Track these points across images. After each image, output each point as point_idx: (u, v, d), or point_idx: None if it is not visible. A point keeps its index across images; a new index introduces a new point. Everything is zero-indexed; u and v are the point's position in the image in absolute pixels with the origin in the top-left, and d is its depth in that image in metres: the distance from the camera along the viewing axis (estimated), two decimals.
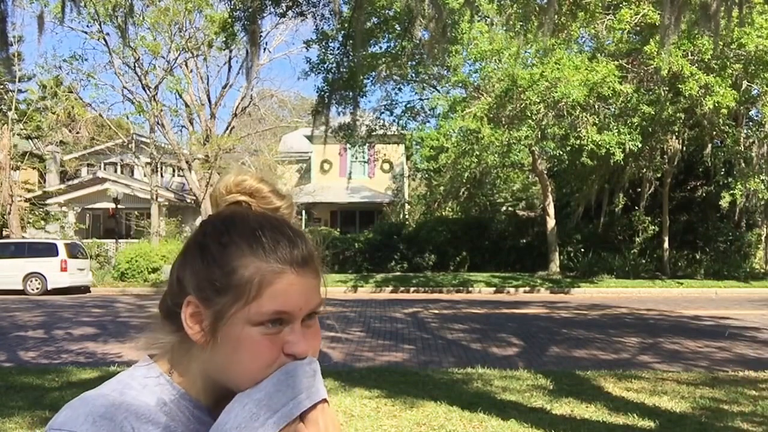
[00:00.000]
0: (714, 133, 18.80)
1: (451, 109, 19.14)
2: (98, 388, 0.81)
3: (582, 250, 22.08)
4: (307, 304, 0.81)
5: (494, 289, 19.18)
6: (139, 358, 0.87)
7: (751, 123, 19.63)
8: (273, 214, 0.86)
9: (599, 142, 16.42)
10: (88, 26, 23.71)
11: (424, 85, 21.73)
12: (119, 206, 24.93)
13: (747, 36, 14.99)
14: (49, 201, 26.77)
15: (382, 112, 21.98)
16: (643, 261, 21.35)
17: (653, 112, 16.59)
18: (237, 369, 0.79)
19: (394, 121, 22.28)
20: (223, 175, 0.90)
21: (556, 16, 9.04)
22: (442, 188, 26.57)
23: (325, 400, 0.80)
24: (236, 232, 0.81)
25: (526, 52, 17.62)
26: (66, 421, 0.74)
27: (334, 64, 16.12)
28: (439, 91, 21.20)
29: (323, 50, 18.14)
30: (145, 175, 28.34)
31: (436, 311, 13.54)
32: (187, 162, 25.26)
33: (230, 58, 26.76)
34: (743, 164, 18.38)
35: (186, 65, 26.34)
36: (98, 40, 24.04)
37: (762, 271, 22.82)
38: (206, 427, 0.81)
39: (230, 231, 0.81)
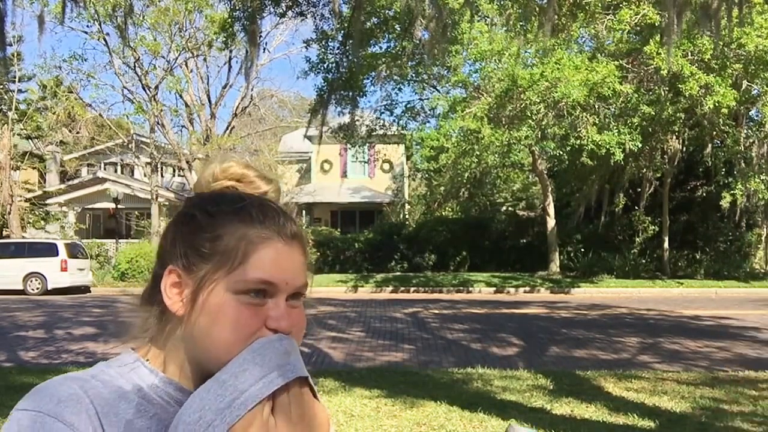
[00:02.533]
0: (714, 133, 18.79)
1: (451, 109, 19.14)
2: (71, 373, 0.78)
3: (582, 250, 22.08)
4: (294, 280, 0.77)
5: (494, 289, 19.18)
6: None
7: (751, 123, 19.61)
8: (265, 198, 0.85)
9: (599, 142, 16.42)
10: (88, 26, 23.74)
11: (424, 85, 21.73)
12: (119, 206, 24.93)
13: (747, 36, 14.98)
14: (49, 201, 26.77)
15: (382, 112, 21.98)
16: (643, 261, 21.34)
17: (653, 112, 16.59)
18: (215, 340, 0.74)
19: (394, 121, 22.28)
20: (208, 163, 0.88)
21: (555, 17, 9.04)
22: (442, 188, 26.59)
23: (302, 379, 0.73)
24: (224, 202, 0.80)
25: (526, 52, 17.62)
26: (30, 402, 0.72)
27: (334, 64, 16.12)
28: (439, 91, 21.20)
29: (323, 50, 18.14)
30: (145, 175, 28.34)
31: (436, 311, 13.54)
32: (187, 162, 25.27)
33: (230, 58, 26.80)
34: (743, 164, 18.38)
35: (186, 65, 26.37)
36: (98, 40, 24.06)
37: (762, 271, 22.82)
38: None
39: (218, 202, 0.80)
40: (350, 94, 17.17)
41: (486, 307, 14.26)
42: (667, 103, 16.61)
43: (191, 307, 0.76)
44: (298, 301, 0.79)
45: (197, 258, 0.77)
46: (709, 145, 19.91)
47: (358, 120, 20.44)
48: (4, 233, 24.78)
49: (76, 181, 27.99)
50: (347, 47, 13.38)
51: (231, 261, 0.75)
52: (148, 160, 26.24)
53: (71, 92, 26.34)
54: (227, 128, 28.34)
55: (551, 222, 21.19)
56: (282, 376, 0.70)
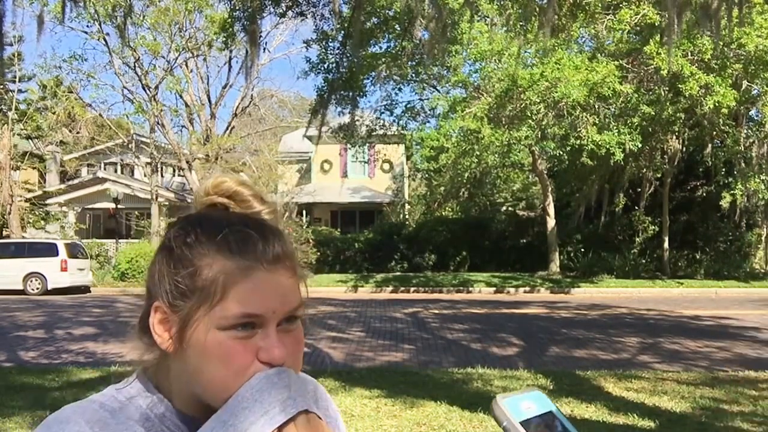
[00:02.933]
0: (714, 133, 18.79)
1: (451, 109, 19.14)
2: (81, 401, 0.77)
3: (582, 250, 22.08)
4: (282, 306, 0.73)
5: (494, 289, 19.18)
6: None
7: (751, 123, 19.61)
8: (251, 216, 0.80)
9: (599, 142, 16.42)
10: (87, 26, 23.74)
11: (424, 85, 21.73)
12: (119, 206, 24.93)
13: (747, 36, 14.98)
14: (49, 201, 26.77)
15: (382, 112, 21.98)
16: (643, 261, 21.34)
17: (653, 112, 16.59)
18: (207, 378, 0.72)
19: (394, 121, 22.28)
20: (206, 178, 0.85)
21: (555, 17, 9.04)
22: (442, 188, 26.58)
23: (306, 411, 0.69)
24: (202, 231, 0.75)
25: (526, 52, 17.62)
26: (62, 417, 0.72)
27: (334, 64, 16.11)
28: (439, 91, 21.20)
29: (323, 50, 18.14)
30: (145, 175, 28.34)
31: (436, 311, 13.53)
32: (187, 162, 25.27)
33: (230, 58, 26.81)
34: (743, 164, 18.38)
35: (186, 65, 26.37)
36: (98, 40, 24.06)
37: (762, 271, 22.82)
38: None
39: (196, 231, 0.75)
40: (350, 94, 17.16)
41: (486, 307, 14.26)
42: (667, 103, 16.61)
43: (180, 345, 0.73)
44: (292, 324, 0.76)
45: (179, 295, 0.74)
46: (709, 145, 19.91)
47: (358, 120, 20.44)
48: (4, 233, 24.78)
49: (76, 181, 27.98)
50: (347, 47, 13.38)
51: (211, 297, 0.72)
52: (148, 160, 26.25)
53: (71, 92, 26.34)
54: (227, 128, 28.34)
55: (551, 222, 21.19)
56: (283, 412, 0.68)
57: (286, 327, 0.75)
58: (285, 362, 0.73)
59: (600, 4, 13.10)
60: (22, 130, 26.60)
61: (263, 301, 0.72)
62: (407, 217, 28.31)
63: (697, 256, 21.69)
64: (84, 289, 19.32)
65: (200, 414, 0.75)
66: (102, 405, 0.76)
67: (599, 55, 17.09)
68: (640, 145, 17.02)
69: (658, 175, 21.29)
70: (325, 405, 0.87)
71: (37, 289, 18.25)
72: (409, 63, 18.20)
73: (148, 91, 24.77)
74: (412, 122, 22.81)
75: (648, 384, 6.20)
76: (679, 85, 15.89)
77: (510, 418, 0.63)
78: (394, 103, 21.79)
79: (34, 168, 28.45)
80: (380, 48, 18.67)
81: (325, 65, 18.00)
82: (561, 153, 19.52)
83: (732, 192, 18.11)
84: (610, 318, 12.33)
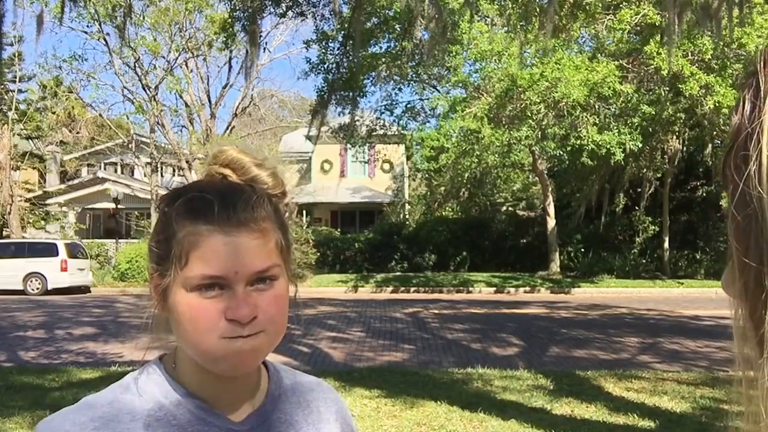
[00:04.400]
0: (714, 133, 18.78)
1: (452, 109, 19.14)
2: (98, 393, 0.81)
3: (582, 250, 22.07)
4: (245, 267, 0.76)
5: (494, 289, 19.17)
6: (141, 358, 0.87)
7: None
8: (247, 183, 0.83)
9: (599, 142, 16.42)
10: (88, 26, 23.75)
11: (425, 85, 21.73)
12: (119, 206, 24.92)
13: (747, 36, 14.98)
14: (49, 201, 26.76)
15: (383, 112, 21.97)
16: (644, 261, 21.34)
17: (653, 112, 16.58)
18: (184, 338, 0.77)
19: (394, 121, 22.27)
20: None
21: (556, 17, 9.04)
22: (442, 188, 26.57)
23: None
24: (180, 199, 0.79)
25: (525, 52, 17.61)
26: (52, 426, 0.75)
27: (334, 65, 16.10)
28: (439, 91, 21.20)
29: (323, 50, 18.13)
30: (145, 175, 28.33)
31: (436, 311, 13.53)
32: (187, 162, 25.27)
33: (230, 58, 26.82)
34: None
35: (186, 65, 26.38)
36: (98, 40, 24.08)
37: None
38: (209, 428, 0.79)
39: (175, 199, 0.80)
40: (350, 94, 17.15)
41: (486, 307, 14.26)
42: (668, 103, 16.60)
43: (164, 308, 0.79)
44: (267, 284, 0.78)
45: (159, 259, 0.79)
46: (710, 145, 19.91)
47: (358, 120, 20.44)
48: (4, 233, 24.78)
49: (76, 181, 27.97)
50: (347, 47, 13.38)
51: (181, 259, 0.76)
52: (148, 160, 26.25)
53: (71, 92, 26.34)
54: (227, 128, 28.35)
55: (551, 222, 21.18)
56: None
57: (259, 286, 0.78)
58: (257, 319, 0.76)
59: (600, 4, 13.10)
60: (22, 130, 26.59)
61: (222, 263, 0.75)
62: (407, 217, 28.30)
63: (698, 256, 21.68)
64: (84, 289, 19.31)
65: (211, 396, 0.81)
66: (110, 402, 0.79)
67: (599, 55, 17.08)
68: (640, 145, 17.01)
69: (659, 175, 21.28)
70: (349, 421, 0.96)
71: (37, 289, 18.25)
72: (409, 63, 18.19)
73: (148, 91, 24.78)
74: (412, 122, 22.82)
75: (648, 384, 6.19)
76: (680, 85, 15.88)
77: None
78: (394, 103, 21.79)
79: (34, 168, 28.45)
80: (380, 48, 18.67)
81: (325, 65, 17.99)
82: (561, 153, 19.51)
83: None
84: (611, 318, 12.33)
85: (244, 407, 0.84)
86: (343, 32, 13.80)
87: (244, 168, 0.84)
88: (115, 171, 30.63)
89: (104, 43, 24.01)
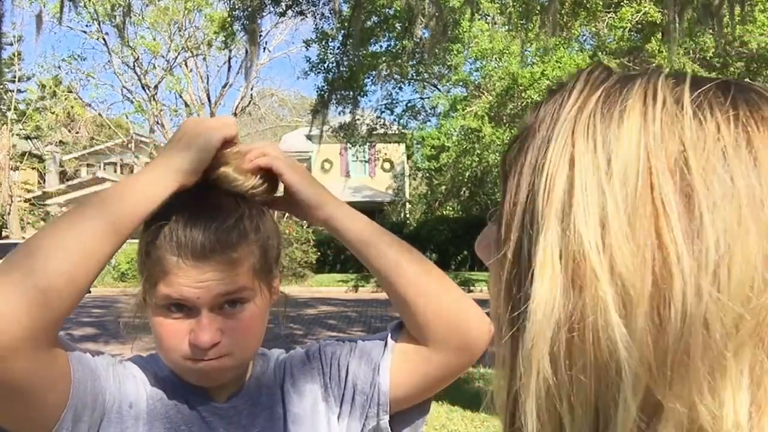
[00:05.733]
0: None
1: (452, 107, 19.13)
2: (146, 354, 0.95)
3: None
4: (208, 293, 0.79)
5: None
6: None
7: None
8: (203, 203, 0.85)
9: None
10: (87, 26, 23.76)
11: (425, 83, 21.70)
12: None
13: (749, 34, 14.95)
14: (48, 201, 26.74)
15: (383, 111, 21.94)
16: None
17: None
18: (159, 351, 0.85)
19: (394, 120, 22.25)
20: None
21: (557, 15, 9.01)
22: (443, 187, 26.57)
23: None
24: (161, 218, 0.82)
25: (526, 50, 17.61)
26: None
27: (334, 64, 16.08)
28: (439, 90, 21.18)
29: (323, 50, 18.10)
30: None
31: None
32: None
33: (230, 58, 26.78)
34: None
35: (185, 64, 26.39)
36: (97, 39, 24.10)
37: None
38: (194, 398, 0.87)
39: (159, 218, 0.82)
40: (351, 93, 17.12)
41: (487, 307, 14.16)
42: None
43: (146, 314, 0.87)
44: (237, 308, 0.81)
45: (140, 274, 0.85)
46: None
47: (358, 119, 20.41)
48: (4, 234, 24.77)
49: (75, 182, 27.95)
50: (347, 46, 13.36)
51: (150, 280, 0.82)
52: (148, 160, 26.20)
53: (70, 92, 26.36)
54: None
55: None
56: None
57: (229, 311, 0.81)
58: (221, 344, 0.80)
59: (601, 2, 13.09)
60: (21, 130, 26.58)
61: (185, 290, 0.79)
62: (408, 216, 28.30)
63: None
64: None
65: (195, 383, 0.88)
66: (147, 361, 0.94)
67: (600, 53, 17.06)
68: None
69: None
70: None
71: None
72: (410, 62, 18.16)
73: (147, 91, 24.79)
74: (413, 121, 22.79)
75: None
76: None
77: None
78: (394, 102, 21.75)
79: (33, 168, 28.44)
80: (380, 47, 18.62)
81: (325, 65, 17.96)
82: None
83: None
84: None
85: (226, 391, 0.89)
86: (343, 31, 13.78)
87: (228, 177, 0.85)
88: (115, 171, 30.61)
89: (103, 42, 24.05)
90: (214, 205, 0.83)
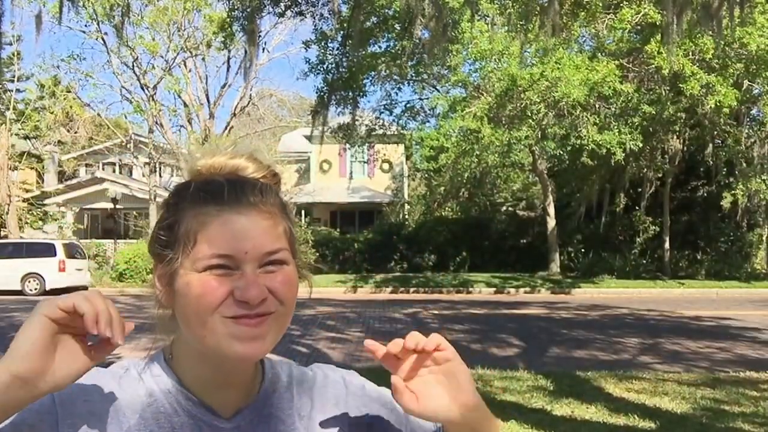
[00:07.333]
0: (715, 132, 18.77)
1: (451, 108, 19.09)
2: (105, 370, 0.81)
3: (582, 250, 22.02)
4: (256, 248, 0.74)
5: (494, 289, 19.12)
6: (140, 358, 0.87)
7: (752, 122, 19.58)
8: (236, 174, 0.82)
9: (600, 142, 16.37)
10: (86, 26, 23.69)
11: (424, 84, 21.68)
12: (118, 206, 24.88)
13: (749, 35, 14.94)
14: (47, 201, 26.71)
15: (382, 112, 21.91)
16: (644, 261, 21.28)
17: (654, 112, 16.55)
18: (188, 317, 0.75)
19: (393, 120, 22.22)
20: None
21: (556, 16, 8.98)
22: (442, 188, 26.54)
23: None
24: (186, 189, 0.79)
25: (525, 51, 17.58)
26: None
27: (333, 64, 16.06)
28: (439, 91, 21.15)
29: (322, 50, 18.07)
30: (143, 175, 28.27)
31: (436, 312, 13.48)
32: (186, 162, 25.22)
33: (229, 58, 26.74)
34: (744, 164, 18.35)
35: (185, 65, 26.33)
36: (96, 39, 24.03)
37: (763, 271, 22.75)
38: (194, 421, 0.79)
39: (181, 191, 0.80)
40: (350, 94, 17.10)
41: (486, 308, 14.21)
42: (668, 103, 16.57)
43: (170, 294, 0.77)
44: (277, 267, 0.76)
45: (163, 247, 0.78)
46: (710, 145, 19.88)
47: (357, 120, 20.38)
48: (2, 233, 24.72)
49: (74, 181, 27.92)
50: (347, 47, 13.33)
51: (189, 243, 0.75)
52: (147, 160, 26.18)
53: (69, 92, 26.29)
54: (226, 128, 28.28)
55: (551, 222, 21.13)
56: None
57: (269, 268, 0.76)
58: (266, 301, 0.74)
59: (601, 3, 13.07)
60: (20, 129, 26.52)
61: (232, 242, 0.74)
62: (407, 217, 28.26)
63: (698, 257, 21.64)
64: (82, 290, 19.23)
65: (203, 389, 0.80)
66: (112, 378, 0.81)
67: (600, 54, 17.05)
68: (640, 145, 16.97)
69: (659, 175, 21.24)
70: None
71: (35, 289, 18.19)
72: (409, 62, 18.14)
73: (146, 91, 24.73)
74: (412, 122, 22.77)
75: (649, 385, 6.15)
76: (680, 85, 15.85)
77: None
78: (393, 102, 21.73)
79: (32, 168, 28.38)
80: (380, 47, 18.61)
81: (325, 65, 17.94)
82: (561, 153, 19.49)
83: (733, 192, 18.06)
84: (611, 318, 12.28)
85: (235, 403, 0.82)
86: (342, 32, 13.75)
87: (222, 167, 0.83)
88: (114, 171, 30.58)
89: (102, 42, 23.97)
90: (236, 175, 0.82)
